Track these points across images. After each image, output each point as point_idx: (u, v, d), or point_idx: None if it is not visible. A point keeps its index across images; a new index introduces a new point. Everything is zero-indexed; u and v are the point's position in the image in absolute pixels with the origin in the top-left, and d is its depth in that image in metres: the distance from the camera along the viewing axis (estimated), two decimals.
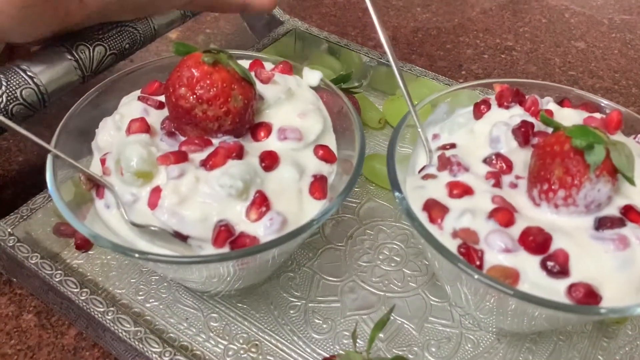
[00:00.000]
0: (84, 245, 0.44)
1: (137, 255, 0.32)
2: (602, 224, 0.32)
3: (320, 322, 0.41)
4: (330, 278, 0.43)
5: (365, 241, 0.46)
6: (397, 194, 0.35)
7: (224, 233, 0.32)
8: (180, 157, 0.34)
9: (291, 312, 0.41)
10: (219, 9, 0.54)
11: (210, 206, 0.33)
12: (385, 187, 0.50)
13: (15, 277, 0.42)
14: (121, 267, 0.43)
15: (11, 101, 0.43)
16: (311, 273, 0.44)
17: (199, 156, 0.35)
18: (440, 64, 0.68)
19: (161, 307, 0.41)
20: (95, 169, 0.37)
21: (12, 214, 0.42)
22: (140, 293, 0.42)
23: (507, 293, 0.29)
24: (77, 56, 0.47)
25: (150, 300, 0.41)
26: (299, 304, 0.42)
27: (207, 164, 0.34)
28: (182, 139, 0.36)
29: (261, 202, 0.33)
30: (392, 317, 0.41)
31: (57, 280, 0.38)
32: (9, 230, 0.40)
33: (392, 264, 0.44)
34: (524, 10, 0.79)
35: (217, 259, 0.31)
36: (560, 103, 0.40)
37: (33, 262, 0.38)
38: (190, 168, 0.34)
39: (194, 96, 0.34)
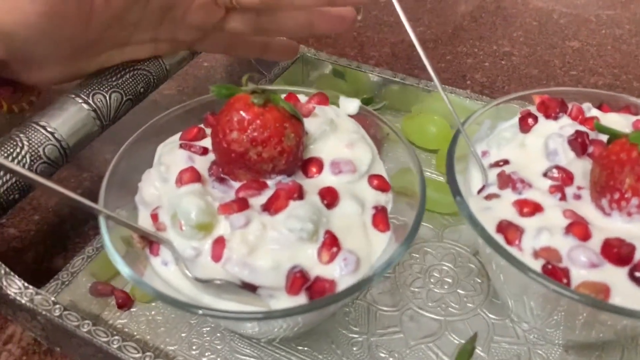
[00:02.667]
0: (125, 303, 0.41)
1: (222, 314, 0.30)
2: None
3: (386, 355, 0.39)
4: (387, 308, 0.42)
5: (414, 265, 0.45)
6: (458, 198, 0.35)
7: (300, 279, 0.31)
8: (242, 204, 0.32)
9: (354, 349, 0.40)
10: (232, 51, 0.53)
11: (280, 253, 0.31)
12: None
13: (60, 346, 0.40)
14: (169, 322, 0.41)
15: (35, 160, 0.41)
16: (366, 305, 0.42)
17: (257, 201, 0.33)
18: (444, 76, 0.68)
19: (219, 359, 0.39)
20: (144, 224, 0.35)
21: (52, 281, 0.39)
22: (194, 347, 0.40)
23: (605, 310, 0.29)
24: (94, 105, 0.45)
25: (206, 354, 0.39)
26: (361, 339, 0.40)
27: (271, 209, 0.32)
28: (234, 183, 0.35)
29: (332, 243, 0.32)
30: (457, 342, 0.40)
31: (115, 347, 0.35)
32: (53, 298, 0.37)
33: (445, 286, 0.44)
34: (514, 15, 0.80)
35: (307, 310, 0.30)
36: (599, 108, 0.40)
37: (85, 330, 0.36)
38: (254, 215, 0.32)
39: (248, 139, 0.33)
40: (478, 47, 0.73)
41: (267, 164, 0.34)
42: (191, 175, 0.34)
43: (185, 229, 0.32)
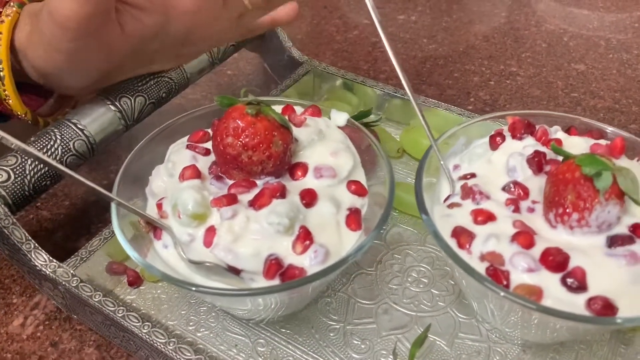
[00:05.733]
0: (135, 281, 0.47)
1: (193, 288, 0.36)
2: (613, 242, 0.35)
3: (359, 342, 0.44)
4: (365, 301, 0.47)
5: (394, 265, 0.50)
6: (424, 216, 0.39)
7: (275, 266, 0.36)
8: (231, 199, 0.38)
9: (331, 334, 0.45)
10: (250, 35, 0.57)
11: (260, 242, 0.37)
12: (408, 213, 0.54)
13: (76, 314, 0.46)
14: (171, 300, 0.47)
15: (65, 153, 0.47)
16: (346, 297, 0.47)
17: (246, 197, 0.39)
18: (449, 93, 0.72)
19: (211, 335, 0.44)
20: (151, 212, 0.41)
21: (72, 256, 0.46)
22: (191, 323, 0.45)
23: (534, 309, 0.33)
24: (120, 107, 0.51)
25: (201, 330, 0.45)
26: (338, 326, 0.45)
27: (255, 204, 0.38)
28: (229, 181, 0.40)
29: (305, 236, 0.37)
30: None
31: (120, 315, 0.41)
32: (72, 271, 0.44)
33: (421, 285, 0.48)
34: (525, 36, 0.83)
35: (273, 290, 0.35)
36: (568, 131, 0.44)
37: (97, 300, 0.42)
38: (241, 209, 0.37)
39: (240, 144, 0.38)
40: (486, 66, 0.77)
41: (257, 166, 0.39)
42: (192, 172, 0.40)
43: (183, 218, 0.38)
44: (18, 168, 0.45)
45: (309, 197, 0.39)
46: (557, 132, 0.44)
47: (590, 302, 0.33)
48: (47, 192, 0.58)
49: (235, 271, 0.37)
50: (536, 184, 0.40)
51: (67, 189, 0.59)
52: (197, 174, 0.40)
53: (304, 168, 0.41)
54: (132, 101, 0.52)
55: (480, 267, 0.35)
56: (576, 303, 0.33)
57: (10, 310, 0.48)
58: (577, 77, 0.75)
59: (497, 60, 0.78)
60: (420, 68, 0.77)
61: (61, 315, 0.47)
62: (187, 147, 0.43)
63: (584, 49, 0.80)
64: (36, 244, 0.44)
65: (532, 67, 0.77)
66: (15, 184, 0.44)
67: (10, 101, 0.46)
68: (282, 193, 0.38)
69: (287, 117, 0.43)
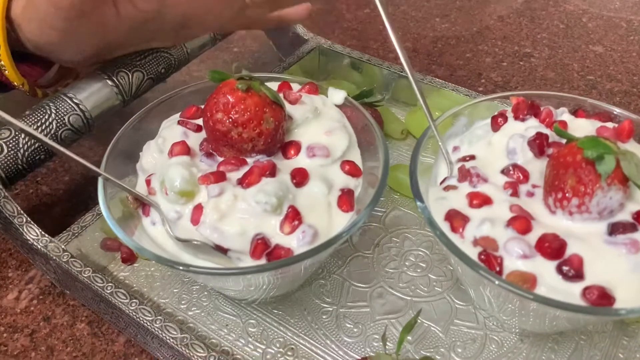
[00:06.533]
0: (129, 258, 0.47)
1: (181, 267, 0.35)
2: (614, 229, 0.34)
3: (351, 326, 0.43)
4: (359, 284, 0.46)
5: (392, 248, 0.48)
6: (419, 203, 0.37)
7: (261, 246, 0.35)
8: (219, 176, 0.37)
9: (324, 317, 0.44)
10: (254, 27, 0.56)
11: (247, 221, 0.36)
12: (409, 196, 0.52)
13: (69, 289, 0.46)
14: (164, 278, 0.46)
15: (60, 127, 0.47)
16: (341, 280, 0.46)
17: (235, 175, 0.38)
18: (460, 73, 0.70)
19: (203, 314, 0.44)
20: (140, 189, 0.40)
21: (64, 231, 0.45)
22: (183, 302, 0.45)
23: (525, 297, 0.31)
24: (117, 82, 0.50)
25: (193, 309, 0.44)
26: (331, 309, 0.44)
27: (244, 182, 0.37)
28: (220, 159, 0.39)
29: (294, 216, 0.36)
30: (419, 321, 0.43)
31: (108, 292, 0.41)
32: (63, 247, 0.43)
33: (418, 270, 0.47)
34: (542, 17, 0.80)
35: (255, 270, 0.34)
36: (575, 113, 0.42)
37: (86, 275, 0.42)
38: (228, 187, 0.36)
39: (230, 120, 0.37)
40: (499, 47, 0.75)
41: (247, 144, 0.38)
42: (181, 149, 0.39)
43: (170, 195, 0.37)
44: (11, 142, 0.44)
45: (299, 177, 0.38)
46: (563, 114, 0.42)
47: (586, 291, 0.31)
48: (48, 167, 0.58)
49: (222, 250, 0.36)
50: (537, 167, 0.38)
51: (68, 164, 0.59)
52: (186, 150, 0.39)
53: (297, 147, 0.40)
54: (130, 76, 0.51)
55: (473, 252, 0.34)
56: (572, 292, 0.32)
57: (5, 283, 0.48)
58: (595, 59, 0.72)
59: (512, 41, 0.76)
60: (431, 48, 0.75)
61: (55, 290, 0.47)
62: (179, 123, 0.42)
63: (603, 31, 0.77)
64: (28, 218, 0.43)
65: (547, 48, 0.74)
66: (8, 158, 0.44)
67: (7, 72, 0.46)
68: (271, 172, 0.37)
69: (281, 94, 0.42)
